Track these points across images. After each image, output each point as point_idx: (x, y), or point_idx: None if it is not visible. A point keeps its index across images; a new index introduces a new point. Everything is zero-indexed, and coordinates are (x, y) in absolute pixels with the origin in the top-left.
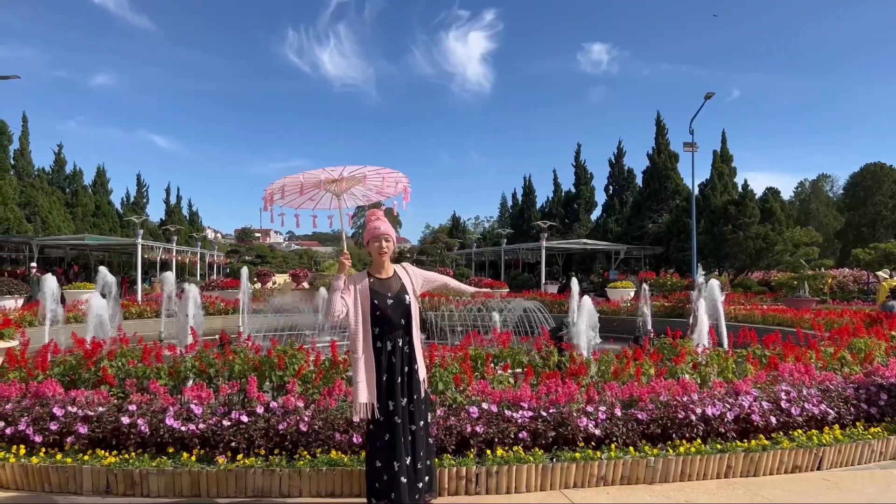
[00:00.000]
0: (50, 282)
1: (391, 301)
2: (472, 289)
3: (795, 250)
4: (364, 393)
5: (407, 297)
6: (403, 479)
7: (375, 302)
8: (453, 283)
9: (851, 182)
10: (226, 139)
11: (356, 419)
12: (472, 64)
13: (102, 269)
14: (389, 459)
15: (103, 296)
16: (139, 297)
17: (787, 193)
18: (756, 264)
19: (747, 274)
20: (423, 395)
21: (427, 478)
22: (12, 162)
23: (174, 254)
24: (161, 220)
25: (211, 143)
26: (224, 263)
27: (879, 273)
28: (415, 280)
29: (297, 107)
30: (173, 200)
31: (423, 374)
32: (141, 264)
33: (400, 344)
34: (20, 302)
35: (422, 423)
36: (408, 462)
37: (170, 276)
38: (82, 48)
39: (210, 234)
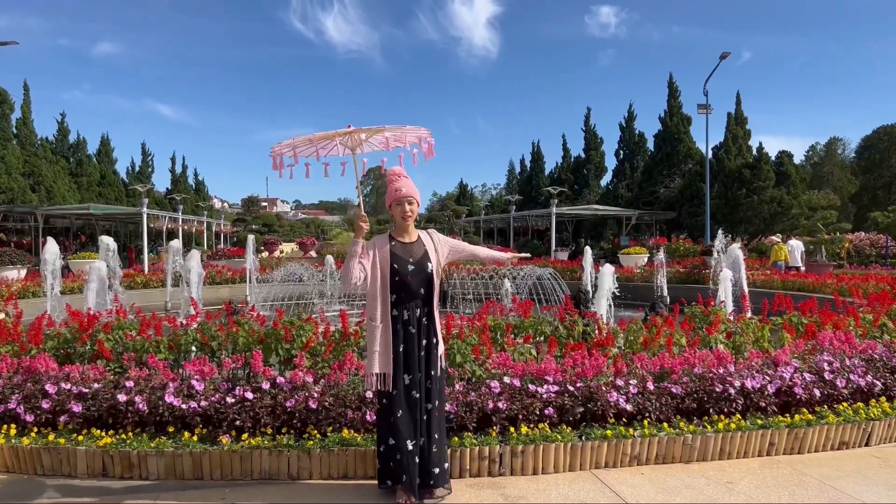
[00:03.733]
0: (51, 249)
1: (412, 267)
2: (508, 254)
3: (812, 214)
4: (377, 363)
5: (429, 264)
6: (418, 460)
7: (395, 266)
8: (484, 251)
9: (864, 145)
10: (231, 107)
11: (369, 392)
12: (478, 28)
13: (104, 238)
14: (404, 438)
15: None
16: (145, 267)
17: (797, 158)
18: (771, 229)
19: (761, 239)
20: (440, 371)
21: (441, 460)
22: (14, 131)
23: (180, 223)
24: (167, 189)
25: (216, 112)
26: (230, 232)
27: (773, 237)
28: (440, 248)
29: (302, 74)
30: (179, 170)
31: (441, 348)
32: (147, 234)
33: (418, 314)
34: (23, 273)
35: (437, 402)
36: (422, 442)
37: (175, 244)
38: (85, 16)
39: (216, 204)
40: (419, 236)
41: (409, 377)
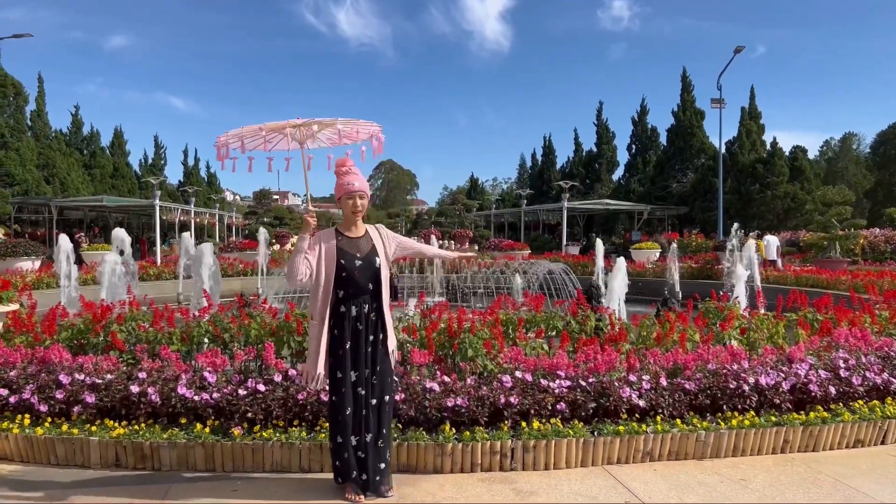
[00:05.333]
0: (64, 242)
1: (359, 262)
2: (454, 253)
3: (826, 210)
4: (320, 363)
5: (377, 259)
6: (361, 455)
7: (342, 262)
8: (432, 249)
9: (879, 140)
10: (242, 100)
11: (310, 389)
12: (490, 21)
13: (117, 230)
14: (351, 434)
15: (121, 253)
16: (158, 259)
17: (811, 153)
18: (784, 224)
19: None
20: (389, 367)
21: (387, 456)
22: (29, 123)
23: (192, 215)
24: (179, 181)
25: (227, 105)
26: (242, 225)
27: (750, 234)
28: (387, 243)
29: (313, 67)
30: (191, 162)
31: (392, 344)
32: (159, 226)
33: (366, 310)
34: (37, 264)
35: (387, 398)
36: (368, 438)
37: (187, 236)
38: (97, 9)
39: (228, 196)
40: (367, 231)
41: (356, 374)
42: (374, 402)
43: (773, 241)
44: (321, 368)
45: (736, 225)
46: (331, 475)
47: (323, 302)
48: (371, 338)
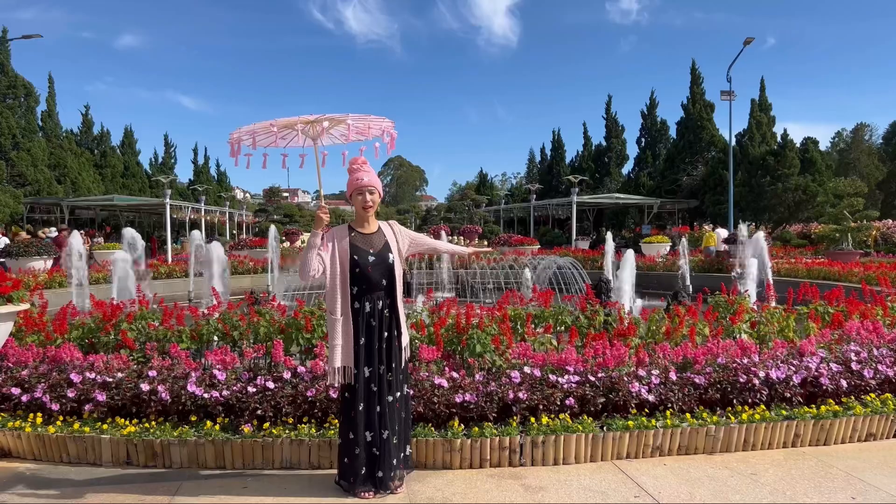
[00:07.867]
0: (75, 241)
1: (373, 258)
2: (468, 249)
3: (838, 201)
4: (339, 357)
5: (390, 255)
6: (375, 451)
7: (355, 258)
8: (445, 245)
9: (892, 130)
10: (251, 98)
11: (334, 384)
12: (498, 16)
13: (127, 229)
14: (363, 430)
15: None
16: (169, 257)
17: (823, 144)
18: (795, 216)
19: (785, 227)
20: (403, 363)
21: (402, 454)
22: (40, 123)
23: (203, 213)
24: (189, 180)
25: (236, 103)
26: (252, 223)
27: (705, 226)
28: (401, 239)
29: (321, 64)
30: (201, 161)
31: (405, 340)
32: (170, 224)
33: (380, 306)
34: (49, 263)
35: (399, 394)
36: (384, 435)
37: (197, 234)
38: (108, 9)
39: (238, 194)
40: (379, 227)
41: (369, 370)
42: (390, 398)
43: (722, 233)
44: (339, 362)
45: (745, 223)
46: None
47: (343, 298)
48: (385, 334)
